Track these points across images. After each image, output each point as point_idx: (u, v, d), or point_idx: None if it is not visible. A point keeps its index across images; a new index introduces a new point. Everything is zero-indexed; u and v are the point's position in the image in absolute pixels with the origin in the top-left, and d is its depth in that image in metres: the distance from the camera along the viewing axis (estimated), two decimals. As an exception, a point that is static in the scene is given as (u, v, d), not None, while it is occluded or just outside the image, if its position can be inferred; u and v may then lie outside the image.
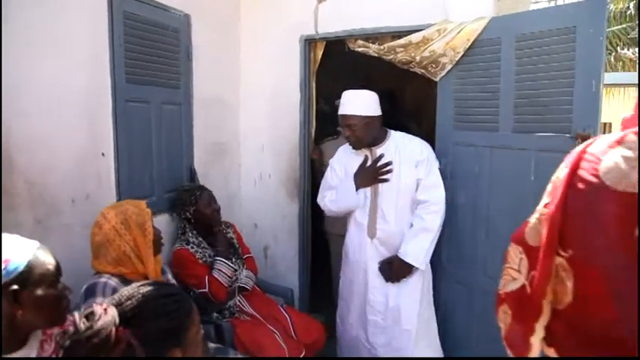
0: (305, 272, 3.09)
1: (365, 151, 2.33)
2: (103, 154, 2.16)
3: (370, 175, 2.29)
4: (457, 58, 2.29)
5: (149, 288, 1.07)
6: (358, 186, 2.31)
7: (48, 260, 1.20)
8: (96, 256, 1.76)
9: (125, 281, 1.67)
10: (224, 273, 2.39)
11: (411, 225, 2.26)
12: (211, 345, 2.13)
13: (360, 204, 2.31)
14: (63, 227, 1.96)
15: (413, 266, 2.22)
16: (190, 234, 2.49)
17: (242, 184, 3.22)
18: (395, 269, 2.25)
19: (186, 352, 1.05)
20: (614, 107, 10.02)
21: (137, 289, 1.06)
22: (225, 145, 3.05)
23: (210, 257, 2.45)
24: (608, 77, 5.71)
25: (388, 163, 2.25)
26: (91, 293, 1.66)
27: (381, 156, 2.28)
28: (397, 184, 2.24)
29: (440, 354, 2.40)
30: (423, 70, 2.47)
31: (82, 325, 0.95)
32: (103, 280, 1.69)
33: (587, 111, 1.82)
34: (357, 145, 2.30)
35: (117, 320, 0.97)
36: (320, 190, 2.54)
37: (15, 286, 1.10)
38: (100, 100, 2.14)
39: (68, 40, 1.98)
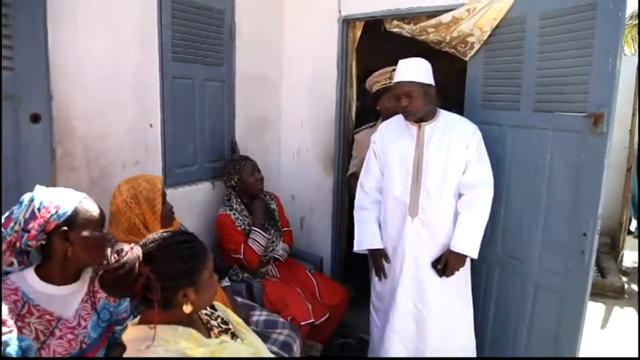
0: (337, 242, 3.26)
1: (413, 127, 2.23)
2: (150, 125, 2.42)
3: None
4: (484, 38, 2.30)
5: (170, 234, 1.27)
6: None
7: (92, 208, 1.44)
8: (111, 223, 1.91)
9: None
10: (258, 242, 2.57)
11: (457, 212, 2.18)
12: (239, 299, 2.36)
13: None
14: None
15: (466, 256, 2.16)
16: (235, 201, 2.66)
17: (282, 158, 3.42)
18: (451, 265, 2.15)
19: (199, 292, 1.24)
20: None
21: (161, 234, 1.26)
22: (266, 120, 3.25)
23: (249, 226, 2.64)
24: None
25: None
26: None
27: None
28: (445, 163, 2.14)
29: (472, 345, 2.33)
30: (453, 50, 2.51)
31: (112, 258, 1.16)
32: None
33: (602, 90, 1.80)
34: (411, 116, 2.17)
35: (140, 258, 1.17)
36: (362, 169, 2.44)
37: (65, 227, 1.36)
38: (149, 77, 2.39)
39: (121, 22, 2.23)
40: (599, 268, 4.54)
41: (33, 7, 1.83)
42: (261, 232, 2.60)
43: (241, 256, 2.54)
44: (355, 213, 2.44)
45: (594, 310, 3.73)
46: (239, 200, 2.68)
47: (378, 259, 2.37)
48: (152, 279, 1.14)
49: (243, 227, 2.61)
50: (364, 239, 2.37)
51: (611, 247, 5.01)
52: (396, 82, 2.19)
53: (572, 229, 1.97)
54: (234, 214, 2.62)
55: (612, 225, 5.01)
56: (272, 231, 2.72)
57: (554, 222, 2.08)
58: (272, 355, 1.50)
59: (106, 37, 2.18)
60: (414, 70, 2.13)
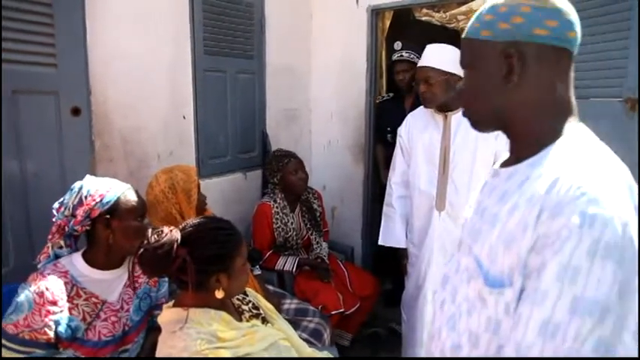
0: (367, 232, 3.27)
1: (439, 117, 2.15)
2: (184, 117, 2.49)
3: None
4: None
5: (208, 220, 1.33)
6: None
7: (133, 198, 1.51)
8: (148, 212, 1.94)
9: None
10: (283, 265, 2.57)
11: None
12: (271, 288, 2.41)
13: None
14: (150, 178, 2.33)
15: None
16: (279, 196, 2.65)
17: (313, 149, 3.45)
18: None
19: (231, 278, 1.27)
20: None
21: (199, 219, 1.31)
22: (296, 111, 3.29)
23: (285, 225, 2.61)
24: None
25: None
26: None
27: None
28: (473, 154, 2.05)
29: None
30: (484, 37, 2.46)
31: (152, 239, 1.22)
32: None
33: (640, 74, 1.74)
34: (429, 103, 2.11)
35: (179, 240, 1.22)
36: (391, 164, 2.43)
37: (107, 215, 1.44)
38: (182, 70, 2.46)
39: (154, 19, 2.30)
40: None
41: (73, 7, 1.91)
42: (296, 266, 2.57)
43: (261, 251, 2.55)
44: (384, 206, 2.44)
45: None
46: (282, 196, 2.66)
47: (400, 258, 2.38)
48: (188, 261, 1.19)
49: (277, 225, 2.60)
50: (387, 237, 2.38)
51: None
52: (418, 67, 2.15)
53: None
54: (276, 207, 2.60)
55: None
56: (314, 234, 2.72)
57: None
58: (301, 341, 1.53)
59: (141, 33, 2.25)
60: (437, 57, 2.07)
